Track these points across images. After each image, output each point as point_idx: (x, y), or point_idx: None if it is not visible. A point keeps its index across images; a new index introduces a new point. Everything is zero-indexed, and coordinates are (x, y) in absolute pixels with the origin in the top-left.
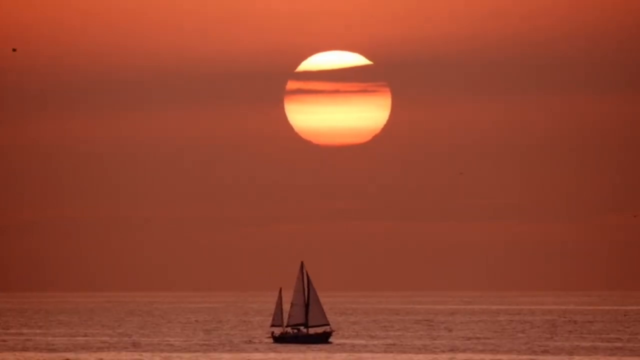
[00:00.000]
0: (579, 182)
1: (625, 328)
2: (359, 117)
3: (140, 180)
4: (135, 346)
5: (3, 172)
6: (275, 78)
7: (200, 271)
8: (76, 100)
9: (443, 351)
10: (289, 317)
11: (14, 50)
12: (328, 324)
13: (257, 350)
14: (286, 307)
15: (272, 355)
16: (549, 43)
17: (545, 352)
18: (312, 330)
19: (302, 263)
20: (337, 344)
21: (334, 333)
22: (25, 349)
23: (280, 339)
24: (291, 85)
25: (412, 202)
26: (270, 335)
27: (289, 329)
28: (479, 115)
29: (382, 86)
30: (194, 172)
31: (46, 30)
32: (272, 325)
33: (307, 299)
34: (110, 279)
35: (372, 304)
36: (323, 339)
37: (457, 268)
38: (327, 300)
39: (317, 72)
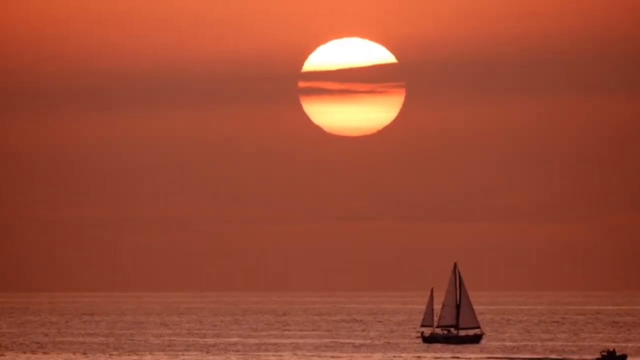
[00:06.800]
0: (591, 182)
1: None
2: (364, 117)
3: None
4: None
5: None
6: (287, 75)
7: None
8: (74, 100)
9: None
10: (439, 318)
11: None
12: (479, 327)
13: (407, 350)
14: (437, 307)
15: (423, 355)
16: (566, 44)
17: None
18: (462, 333)
19: (455, 264)
20: (489, 346)
21: (484, 336)
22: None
23: (430, 340)
24: (302, 83)
25: (413, 203)
26: (419, 335)
27: (438, 330)
28: (490, 115)
29: (391, 87)
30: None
31: (53, 34)
32: (422, 326)
33: (459, 301)
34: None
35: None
36: (474, 340)
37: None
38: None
39: (326, 72)
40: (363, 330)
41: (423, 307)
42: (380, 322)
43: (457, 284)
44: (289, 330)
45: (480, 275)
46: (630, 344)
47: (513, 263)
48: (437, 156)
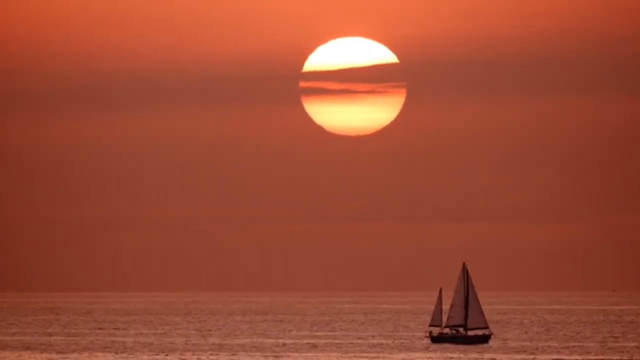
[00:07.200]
0: (591, 182)
1: None
2: (365, 117)
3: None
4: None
5: None
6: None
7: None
8: (73, 101)
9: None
10: (448, 318)
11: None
12: (487, 327)
13: (415, 350)
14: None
15: (432, 355)
16: (566, 44)
17: None
18: (470, 333)
19: (463, 264)
20: (497, 346)
21: (492, 336)
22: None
23: (438, 339)
24: (303, 83)
25: (410, 204)
26: (427, 335)
27: (447, 330)
28: (490, 115)
29: (392, 87)
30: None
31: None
32: (431, 325)
33: (467, 300)
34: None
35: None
36: (482, 340)
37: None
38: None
39: (327, 72)
40: (368, 330)
41: (424, 306)
42: (383, 322)
43: (466, 284)
44: (292, 331)
45: (480, 275)
46: None
47: (513, 263)
48: (437, 156)
